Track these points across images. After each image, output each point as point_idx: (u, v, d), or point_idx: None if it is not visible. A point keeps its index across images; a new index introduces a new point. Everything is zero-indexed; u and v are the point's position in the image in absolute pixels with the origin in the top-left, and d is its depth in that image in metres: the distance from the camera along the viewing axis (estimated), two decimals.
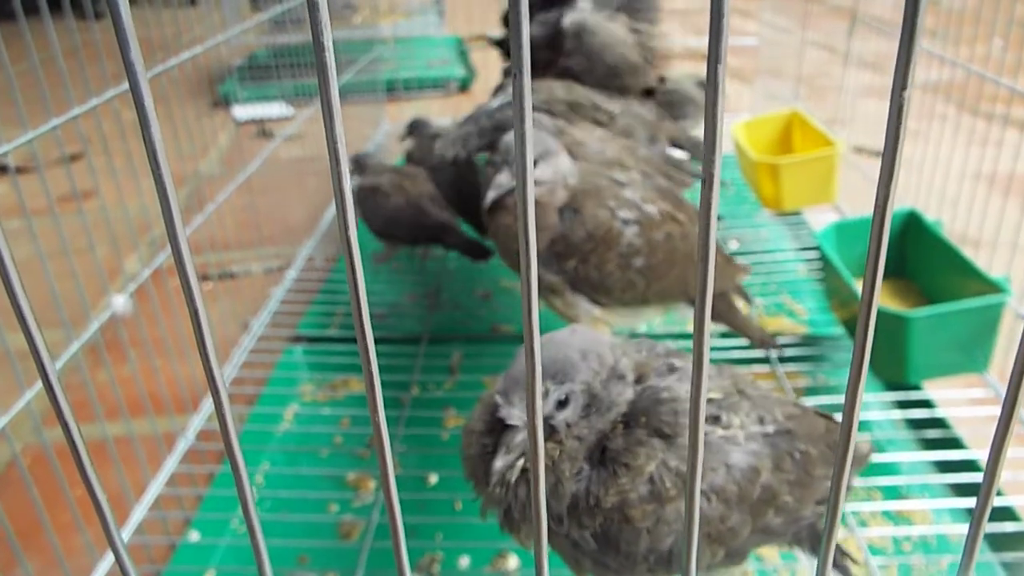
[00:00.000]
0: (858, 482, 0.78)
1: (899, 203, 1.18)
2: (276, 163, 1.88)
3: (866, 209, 1.23)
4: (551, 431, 0.44)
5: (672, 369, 0.45)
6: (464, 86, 2.28)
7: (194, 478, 0.86)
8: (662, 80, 1.11)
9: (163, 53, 1.13)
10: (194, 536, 0.81)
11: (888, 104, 0.19)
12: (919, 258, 0.96)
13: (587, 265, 0.63)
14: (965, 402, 0.86)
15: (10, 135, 0.68)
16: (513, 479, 0.44)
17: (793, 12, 1.87)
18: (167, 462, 0.85)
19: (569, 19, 1.03)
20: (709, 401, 0.45)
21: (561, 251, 0.64)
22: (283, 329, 1.12)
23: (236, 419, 0.95)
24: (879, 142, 0.18)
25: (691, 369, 0.44)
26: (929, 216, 0.97)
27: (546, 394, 0.42)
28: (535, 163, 0.61)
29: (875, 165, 1.39)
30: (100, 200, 0.86)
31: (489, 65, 2.37)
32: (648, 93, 1.07)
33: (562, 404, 0.43)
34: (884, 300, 0.96)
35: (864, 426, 0.86)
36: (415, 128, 1.32)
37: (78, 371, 0.72)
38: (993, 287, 0.81)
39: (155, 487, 0.82)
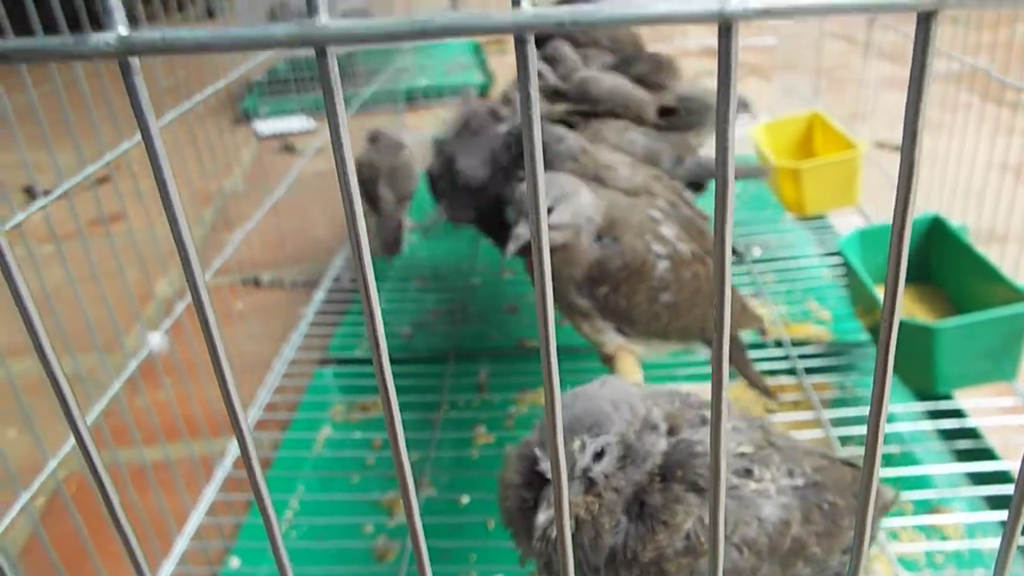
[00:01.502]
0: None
1: (923, 198, 1.17)
2: (300, 179, 1.90)
3: (889, 210, 1.21)
4: (590, 484, 0.45)
5: (705, 421, 0.46)
6: (483, 92, 2.28)
7: (233, 506, 0.88)
8: (670, 111, 1.11)
9: (184, 72, 1.14)
10: (235, 563, 0.83)
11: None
12: (944, 264, 0.95)
13: (617, 294, 0.64)
14: (995, 411, 0.86)
15: (35, 158, 0.70)
16: (554, 534, 0.45)
17: None
18: (207, 491, 0.87)
19: (554, 78, 1.04)
20: (741, 455, 0.45)
21: (596, 276, 0.65)
22: (314, 352, 1.14)
23: (270, 445, 0.98)
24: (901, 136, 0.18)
25: (728, 420, 0.45)
26: (954, 220, 0.97)
27: (582, 447, 0.43)
28: (549, 210, 0.62)
29: (897, 161, 1.37)
30: (128, 223, 0.88)
31: (507, 70, 2.38)
32: (665, 112, 1.07)
33: (598, 456, 0.44)
34: (909, 306, 0.96)
35: (895, 438, 0.86)
36: (375, 140, 1.35)
37: (116, 399, 0.74)
38: (1020, 294, 0.80)
39: (196, 516, 0.84)
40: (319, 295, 1.29)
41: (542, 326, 0.23)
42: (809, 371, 0.96)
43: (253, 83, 2.25)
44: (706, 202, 1.35)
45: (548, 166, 0.69)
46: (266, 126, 2.12)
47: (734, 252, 0.89)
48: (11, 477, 0.67)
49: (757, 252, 1.21)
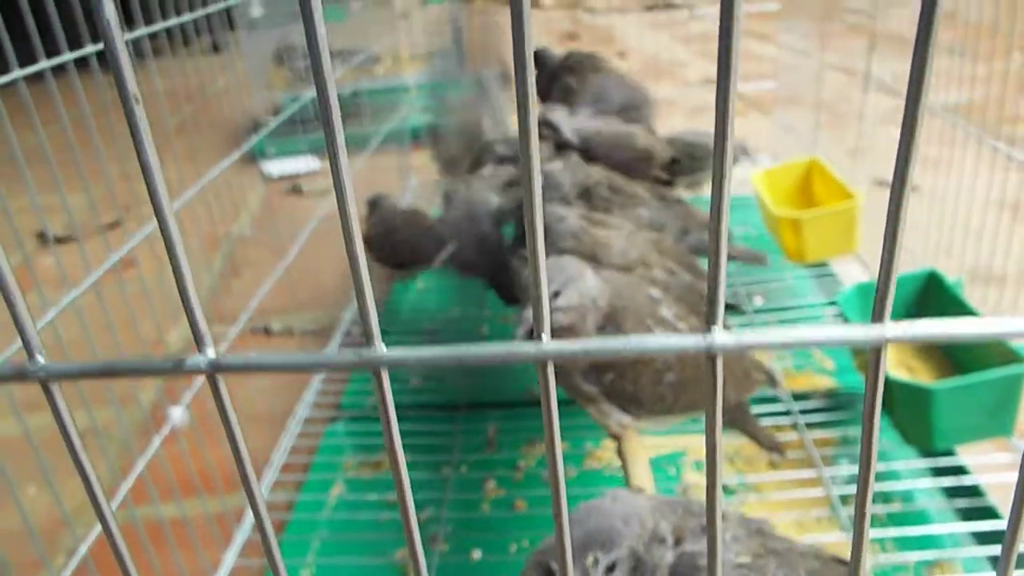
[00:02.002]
0: (895, 557, 0.80)
1: (921, 236, 1.19)
2: (306, 221, 1.92)
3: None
4: None
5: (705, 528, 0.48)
6: None
7: (251, 570, 0.90)
8: (675, 161, 1.14)
9: (189, 106, 1.17)
10: None
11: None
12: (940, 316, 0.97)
13: (623, 380, 0.67)
14: (993, 467, 0.88)
15: (45, 201, 0.71)
16: None
17: (811, 33, 1.88)
18: (227, 556, 0.89)
19: (569, 128, 1.07)
20: (740, 565, 0.48)
21: (601, 365, 0.67)
22: (325, 409, 1.17)
23: (285, 506, 1.00)
24: None
25: (727, 528, 0.47)
26: (952, 262, 0.99)
27: (595, 562, 0.46)
28: (556, 294, 0.64)
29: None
30: (139, 269, 0.90)
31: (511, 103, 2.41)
32: (666, 176, 1.10)
33: (610, 570, 0.47)
34: (907, 360, 0.98)
35: (897, 495, 0.88)
36: (375, 205, 1.36)
37: (129, 452, 0.75)
38: (1014, 355, 0.82)
39: None
40: (331, 348, 1.31)
41: (550, 457, 0.24)
42: (810, 426, 0.98)
43: (260, 123, 2.28)
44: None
45: (549, 245, 0.72)
46: (274, 167, 2.16)
47: (733, 307, 0.91)
48: (34, 540, 0.69)
49: (759, 302, 1.23)
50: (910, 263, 1.17)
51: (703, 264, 0.92)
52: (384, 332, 1.35)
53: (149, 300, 0.87)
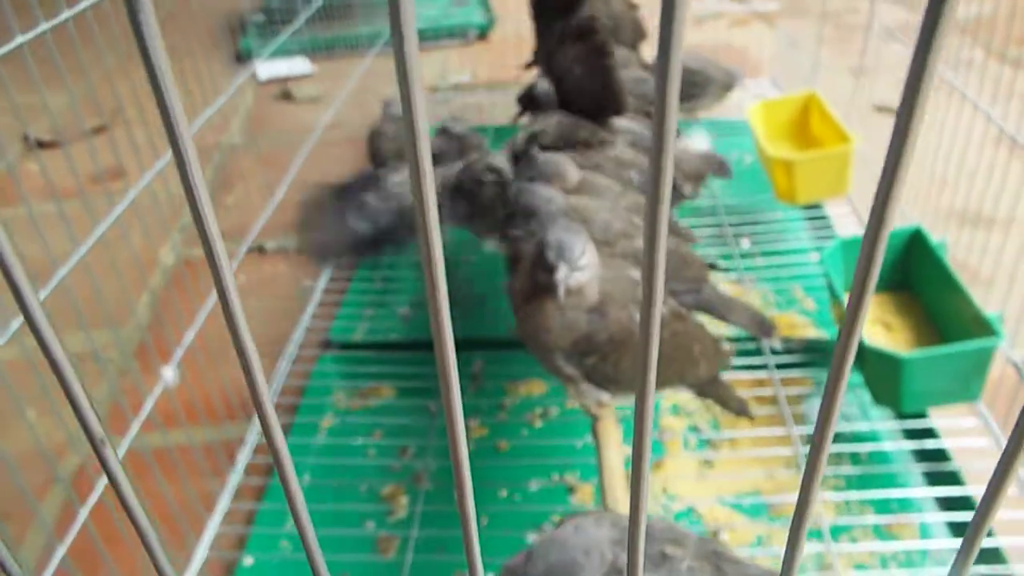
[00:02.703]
0: (855, 519, 0.84)
1: (912, 174, 1.18)
2: (297, 129, 1.89)
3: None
4: None
5: (665, 557, 0.51)
6: (483, 33, 2.25)
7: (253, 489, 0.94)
8: None
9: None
10: (248, 561, 0.90)
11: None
12: (922, 277, 0.99)
13: (605, 363, 0.69)
14: (959, 432, 0.91)
15: (27, 101, 0.69)
16: None
17: None
18: (221, 499, 0.93)
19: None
20: None
21: (584, 350, 0.69)
22: (319, 333, 1.19)
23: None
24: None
25: (685, 558, 0.50)
26: (939, 202, 0.99)
27: None
28: (584, 252, 0.66)
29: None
30: (126, 181, 0.88)
31: (510, 7, 2.32)
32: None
33: None
34: (885, 314, 1.00)
35: (865, 457, 0.92)
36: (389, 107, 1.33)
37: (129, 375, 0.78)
38: (986, 326, 0.84)
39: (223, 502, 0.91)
40: (323, 278, 1.32)
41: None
42: (786, 382, 1.00)
43: (250, 21, 2.21)
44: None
45: (544, 225, 0.72)
46: (263, 69, 2.10)
47: (712, 266, 0.91)
48: (45, 457, 0.70)
49: (746, 245, 1.24)
50: (899, 205, 1.17)
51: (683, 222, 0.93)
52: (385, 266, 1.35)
53: (139, 215, 0.85)
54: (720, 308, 0.79)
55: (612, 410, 0.74)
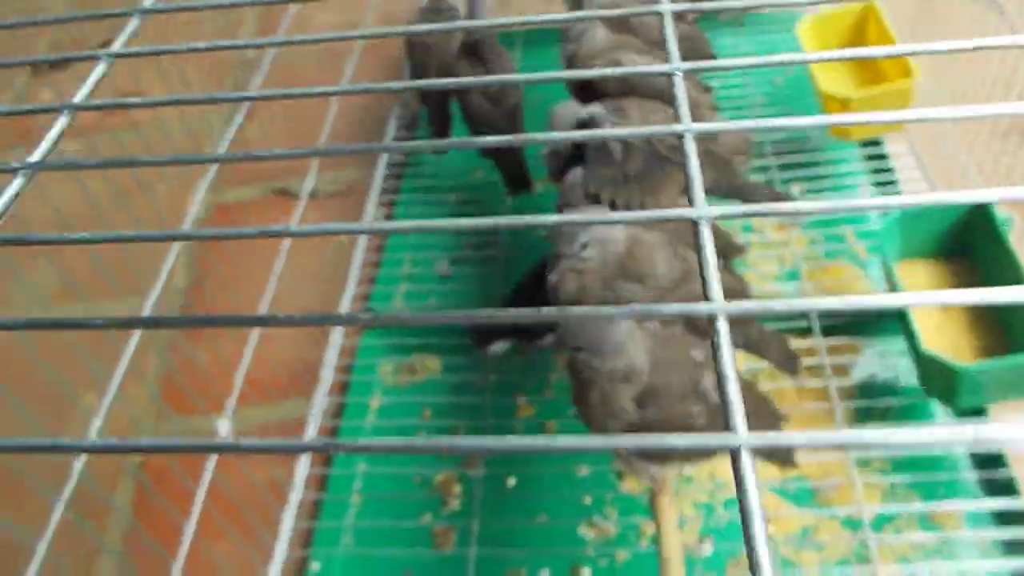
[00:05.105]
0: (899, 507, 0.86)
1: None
2: (308, 31, 1.75)
3: (937, 134, 1.14)
4: None
5: None
6: None
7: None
8: None
9: None
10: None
11: None
12: (982, 253, 0.94)
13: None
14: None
15: None
16: None
17: None
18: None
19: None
20: None
21: (638, 427, 0.67)
22: (361, 302, 1.18)
23: (332, 411, 1.05)
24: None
25: None
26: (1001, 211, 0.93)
27: None
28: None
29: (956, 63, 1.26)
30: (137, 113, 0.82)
31: None
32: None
33: None
34: (942, 283, 0.97)
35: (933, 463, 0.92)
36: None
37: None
38: None
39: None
40: (369, 209, 1.28)
41: None
42: (831, 350, 0.99)
43: None
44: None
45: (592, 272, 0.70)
46: None
47: (738, 248, 0.86)
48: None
49: (796, 191, 1.17)
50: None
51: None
52: (404, 191, 1.31)
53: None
54: (758, 345, 0.76)
55: (668, 484, 0.74)
